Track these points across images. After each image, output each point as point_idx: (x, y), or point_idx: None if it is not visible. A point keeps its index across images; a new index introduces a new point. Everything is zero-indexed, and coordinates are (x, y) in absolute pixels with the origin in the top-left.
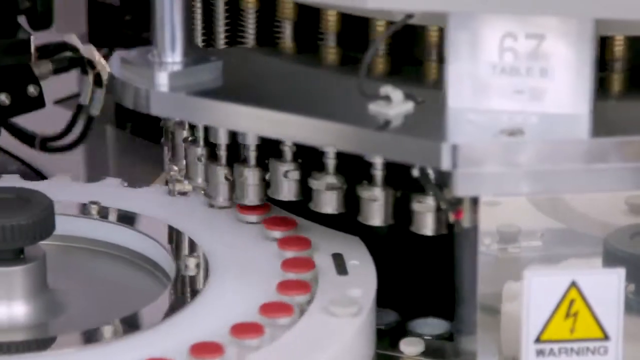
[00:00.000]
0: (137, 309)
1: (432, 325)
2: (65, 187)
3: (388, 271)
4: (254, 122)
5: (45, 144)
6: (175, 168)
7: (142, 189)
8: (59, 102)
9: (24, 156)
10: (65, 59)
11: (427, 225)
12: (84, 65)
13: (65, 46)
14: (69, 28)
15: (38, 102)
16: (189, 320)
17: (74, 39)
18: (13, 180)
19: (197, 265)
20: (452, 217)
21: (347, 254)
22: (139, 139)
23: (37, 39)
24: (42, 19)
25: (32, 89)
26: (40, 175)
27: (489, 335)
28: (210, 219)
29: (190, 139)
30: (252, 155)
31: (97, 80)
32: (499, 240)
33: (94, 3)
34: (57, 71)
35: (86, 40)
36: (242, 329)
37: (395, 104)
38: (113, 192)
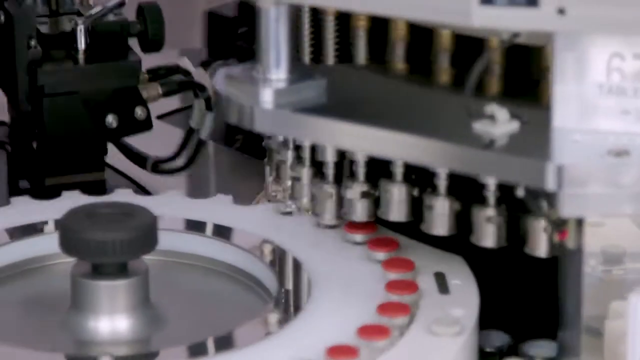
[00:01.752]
0: (237, 325)
1: (543, 347)
2: (175, 203)
3: (496, 291)
4: (358, 140)
5: (156, 166)
6: (279, 188)
7: (248, 207)
8: (161, 117)
9: (130, 173)
10: (174, 82)
11: (540, 246)
12: (195, 88)
13: (177, 69)
14: (183, 43)
15: (145, 125)
16: (287, 339)
17: (186, 62)
18: (125, 195)
19: (300, 284)
20: (556, 238)
21: (450, 273)
22: (244, 156)
23: (149, 61)
24: (153, 43)
25: (139, 112)
26: (146, 192)
27: (593, 358)
28: (315, 238)
29: (296, 158)
30: (360, 173)
31: (208, 104)
32: (603, 262)
33: (211, 16)
34: (166, 94)
35: (196, 55)
36: (338, 351)
37: (500, 123)
38: (221, 209)
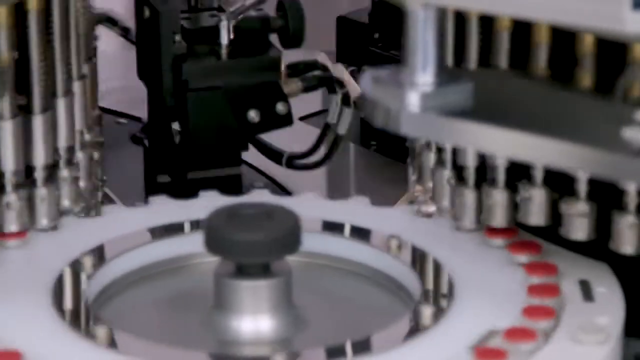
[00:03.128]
0: (379, 328)
1: None
2: (312, 203)
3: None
4: (504, 144)
5: (291, 161)
6: (421, 189)
7: (387, 209)
8: (304, 118)
9: (269, 172)
10: (314, 77)
11: None
12: (333, 84)
13: (315, 65)
14: (318, 45)
15: (286, 120)
16: (431, 342)
17: (324, 58)
18: (262, 195)
19: (442, 287)
20: None
21: (594, 280)
22: (382, 158)
23: (288, 57)
24: (294, 38)
25: (280, 107)
26: (285, 192)
27: None
28: (455, 241)
29: (438, 160)
30: (501, 177)
31: (345, 100)
32: None
33: (343, 20)
34: (306, 89)
35: (334, 58)
36: (485, 354)
37: None
38: (359, 211)
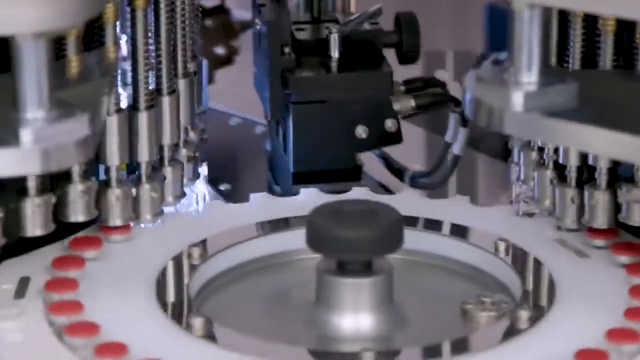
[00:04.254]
0: (478, 328)
1: None
2: (412, 201)
3: None
4: (607, 145)
5: (414, 180)
6: (523, 188)
7: (487, 208)
8: (406, 117)
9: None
10: (428, 95)
11: None
12: (449, 103)
13: (433, 82)
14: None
15: (395, 138)
16: (532, 343)
17: (442, 75)
18: (362, 193)
19: (543, 288)
20: None
21: None
22: (487, 157)
23: (403, 74)
24: (409, 54)
25: (390, 124)
26: (387, 191)
27: None
28: (557, 242)
29: (539, 160)
30: (603, 178)
31: (463, 120)
32: None
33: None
34: (419, 107)
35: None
36: (587, 355)
37: None
38: (459, 209)
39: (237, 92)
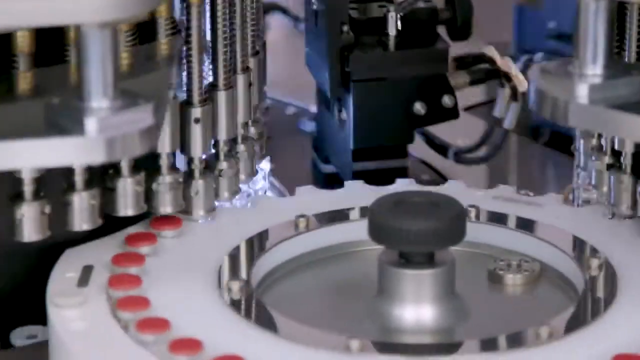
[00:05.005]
0: (541, 319)
1: None
2: (459, 192)
3: None
4: None
5: (458, 155)
6: (583, 175)
7: (540, 197)
8: (468, 109)
9: (434, 162)
10: (481, 71)
11: None
12: (500, 78)
13: (483, 58)
14: (491, 37)
15: (452, 113)
16: (595, 336)
17: (492, 51)
18: (407, 185)
19: (604, 279)
20: None
21: None
22: (550, 150)
23: (456, 49)
24: (461, 30)
25: (447, 100)
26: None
27: None
28: (613, 230)
29: (597, 147)
30: None
31: (513, 94)
32: None
33: (520, 10)
34: (473, 83)
35: (510, 49)
36: None
37: None
38: (506, 199)
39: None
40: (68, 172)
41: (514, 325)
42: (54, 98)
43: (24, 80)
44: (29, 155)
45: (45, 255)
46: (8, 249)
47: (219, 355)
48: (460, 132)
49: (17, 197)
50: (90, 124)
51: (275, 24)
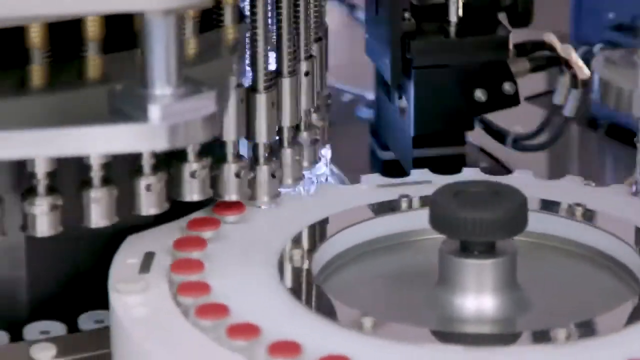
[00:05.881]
0: (602, 311)
1: None
2: (526, 182)
3: None
4: None
5: (517, 142)
6: None
7: (602, 188)
8: (529, 98)
9: (493, 152)
10: (542, 58)
11: None
12: (561, 65)
13: (543, 45)
14: (549, 26)
15: (513, 100)
16: None
17: (552, 38)
18: (473, 174)
19: None
20: None
21: None
22: (611, 141)
23: (516, 36)
24: (522, 17)
25: (507, 87)
26: (505, 169)
27: None
28: None
29: None
30: None
31: (573, 82)
32: None
33: (578, 1)
34: (533, 70)
35: (567, 39)
36: None
37: None
38: (572, 190)
39: None
40: (134, 156)
41: (575, 316)
42: (118, 85)
43: (91, 66)
44: (94, 142)
45: (112, 241)
46: (76, 234)
47: (276, 340)
48: (518, 120)
49: (85, 183)
50: (154, 111)
51: (331, 11)
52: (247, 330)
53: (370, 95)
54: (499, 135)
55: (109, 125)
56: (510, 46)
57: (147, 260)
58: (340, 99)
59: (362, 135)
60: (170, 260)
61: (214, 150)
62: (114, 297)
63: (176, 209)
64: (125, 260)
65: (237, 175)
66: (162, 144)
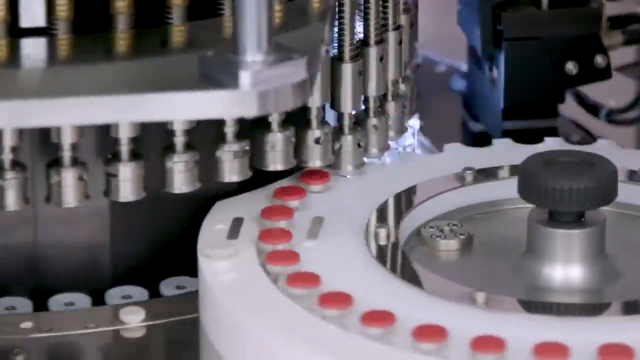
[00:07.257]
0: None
1: None
2: (610, 152)
3: None
4: None
5: (610, 116)
6: None
7: None
8: (620, 69)
9: (586, 124)
10: (636, 31)
11: None
12: None
13: (636, 18)
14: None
15: (605, 73)
16: None
17: None
18: (557, 144)
19: None
20: None
21: None
22: None
23: (610, 9)
24: None
25: (599, 60)
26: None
27: None
28: None
29: None
30: None
31: None
32: None
33: None
34: (627, 43)
35: None
36: None
37: None
38: None
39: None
40: (218, 123)
41: None
42: (208, 51)
43: (178, 33)
44: (182, 107)
45: (196, 208)
46: (160, 200)
47: (368, 309)
48: (612, 92)
49: (168, 148)
50: (244, 77)
51: None
52: (339, 299)
53: (465, 67)
54: (592, 108)
55: (199, 91)
56: (604, 18)
57: (236, 226)
58: (434, 70)
59: (454, 107)
60: (257, 228)
61: (298, 118)
62: (202, 262)
63: (260, 176)
64: (214, 225)
65: (317, 141)
66: (252, 111)
